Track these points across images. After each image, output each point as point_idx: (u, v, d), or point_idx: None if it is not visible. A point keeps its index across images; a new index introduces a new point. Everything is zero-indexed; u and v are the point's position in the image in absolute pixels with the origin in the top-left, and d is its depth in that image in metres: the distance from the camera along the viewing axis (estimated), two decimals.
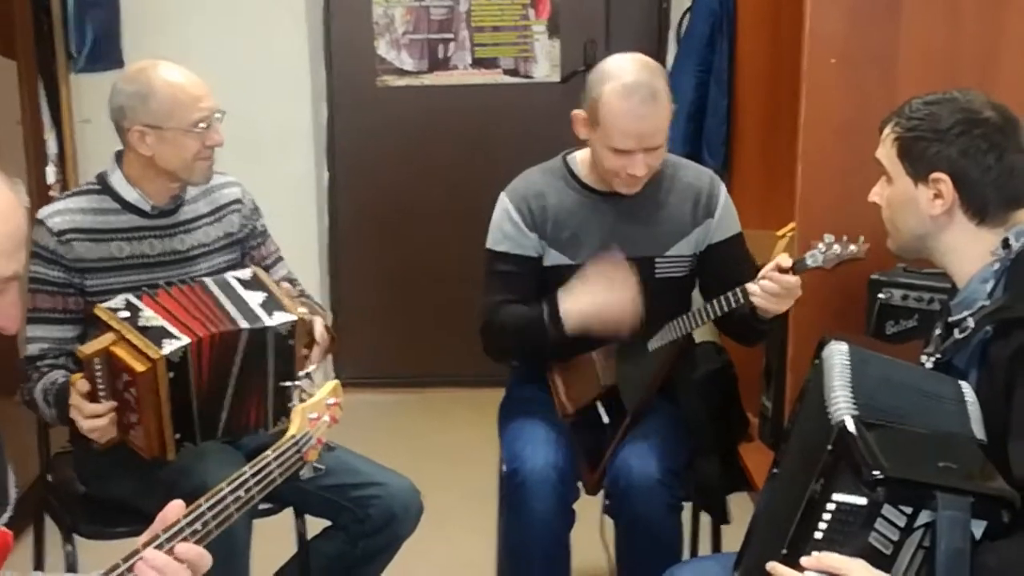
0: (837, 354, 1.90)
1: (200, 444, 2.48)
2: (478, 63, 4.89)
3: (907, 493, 1.66)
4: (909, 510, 1.66)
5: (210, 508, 1.58)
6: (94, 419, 2.37)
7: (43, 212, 2.60)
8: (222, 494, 1.59)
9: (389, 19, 4.87)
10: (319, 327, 2.65)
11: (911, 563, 1.67)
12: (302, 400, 1.80)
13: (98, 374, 2.34)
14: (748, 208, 3.33)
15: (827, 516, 1.70)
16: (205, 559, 1.56)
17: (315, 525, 2.83)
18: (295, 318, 2.51)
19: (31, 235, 2.36)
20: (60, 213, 2.59)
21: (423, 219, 5.05)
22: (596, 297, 2.63)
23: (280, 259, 2.93)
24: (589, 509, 2.80)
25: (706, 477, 2.78)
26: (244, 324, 2.45)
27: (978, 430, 1.81)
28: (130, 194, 2.64)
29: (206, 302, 2.49)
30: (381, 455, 2.81)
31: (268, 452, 1.68)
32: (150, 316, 2.37)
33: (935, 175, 1.93)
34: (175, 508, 1.59)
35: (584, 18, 4.86)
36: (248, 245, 2.85)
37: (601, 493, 2.80)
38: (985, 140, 1.91)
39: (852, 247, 2.50)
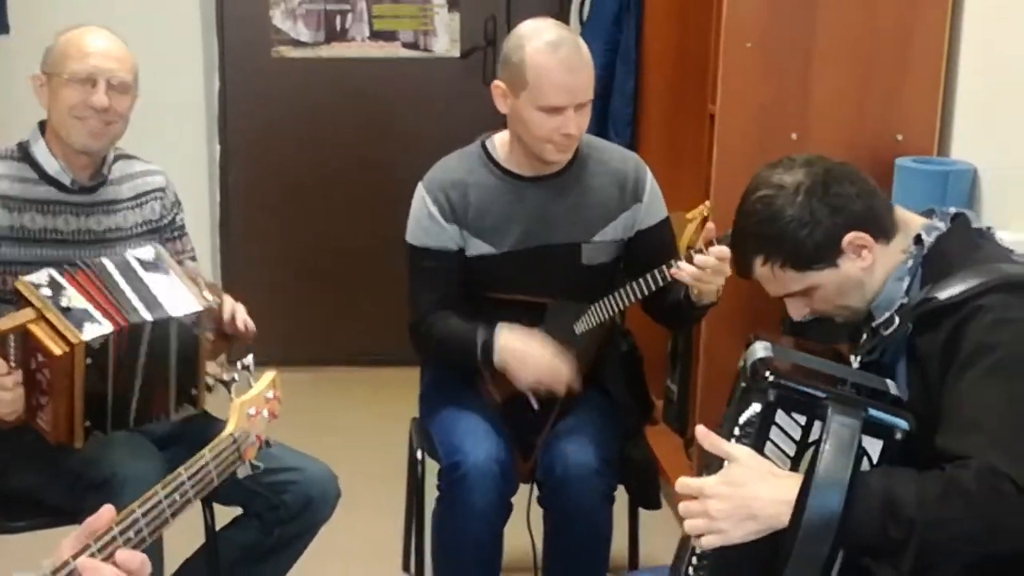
0: (760, 349, 1.90)
1: (109, 433, 2.38)
2: (376, 35, 4.75)
3: (798, 398, 1.72)
4: (803, 420, 1.71)
5: (144, 514, 1.48)
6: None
7: None
8: (157, 498, 1.49)
9: None
10: (229, 314, 2.56)
11: None
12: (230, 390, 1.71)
13: (12, 350, 2.22)
14: None
15: (733, 441, 1.76)
16: (147, 567, 1.46)
17: (223, 514, 2.72)
18: (200, 309, 2.43)
19: None
20: None
21: (318, 196, 4.91)
22: (531, 348, 2.61)
23: (193, 259, 2.82)
24: (516, 499, 2.74)
25: (639, 461, 2.78)
26: (147, 316, 2.35)
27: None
28: (52, 165, 2.56)
29: (111, 287, 2.38)
30: (280, 436, 2.71)
31: (205, 451, 1.59)
32: (72, 296, 2.26)
33: (844, 241, 1.91)
34: (106, 515, 1.47)
35: None
36: (165, 236, 2.75)
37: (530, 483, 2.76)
38: (826, 186, 1.91)
39: None
